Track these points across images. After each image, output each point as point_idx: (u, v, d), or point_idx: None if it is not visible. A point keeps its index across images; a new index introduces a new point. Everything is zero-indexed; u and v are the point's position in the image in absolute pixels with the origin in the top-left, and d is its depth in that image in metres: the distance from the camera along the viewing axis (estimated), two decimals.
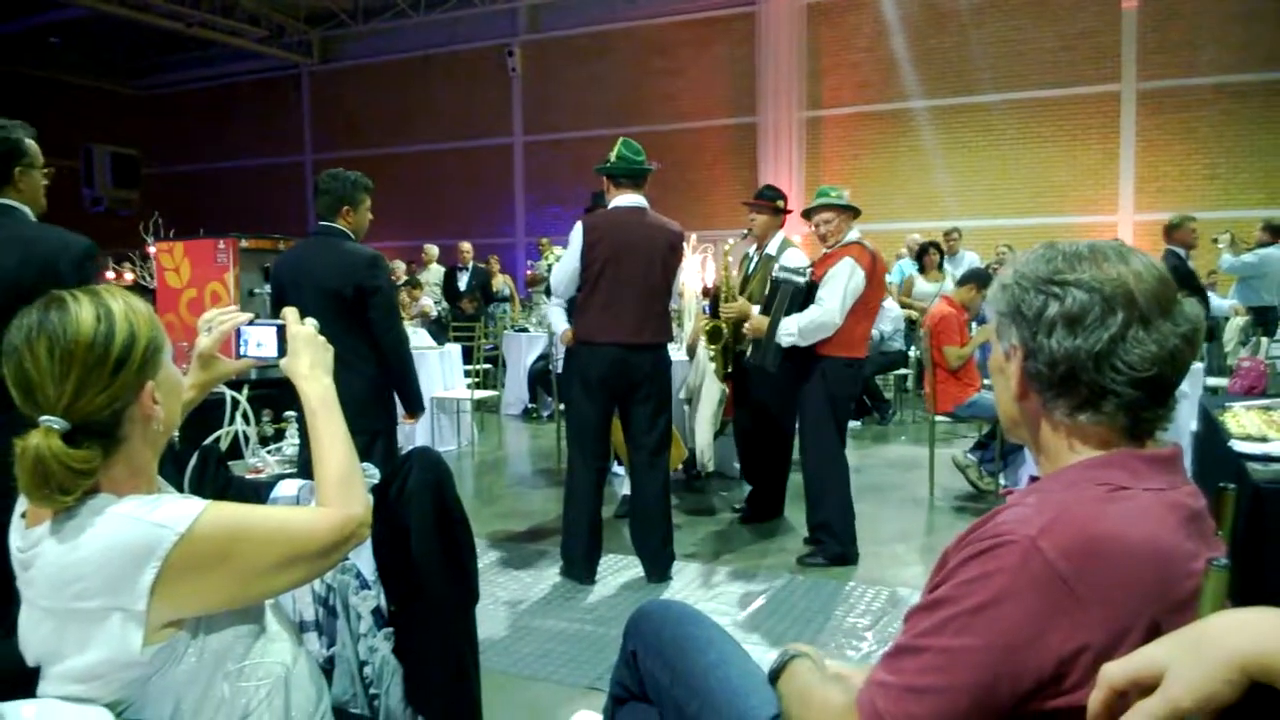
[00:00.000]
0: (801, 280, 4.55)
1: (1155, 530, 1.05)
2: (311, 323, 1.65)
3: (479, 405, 7.94)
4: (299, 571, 1.41)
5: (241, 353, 1.68)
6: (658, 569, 4.36)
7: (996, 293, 1.24)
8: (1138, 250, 1.19)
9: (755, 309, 4.84)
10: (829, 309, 4.45)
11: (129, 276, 8.91)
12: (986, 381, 5.70)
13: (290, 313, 1.64)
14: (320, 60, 18.24)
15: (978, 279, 6.36)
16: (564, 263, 4.37)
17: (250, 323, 1.68)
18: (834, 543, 4.59)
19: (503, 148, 16.72)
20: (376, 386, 3.86)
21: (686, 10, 14.92)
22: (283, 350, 1.62)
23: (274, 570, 1.36)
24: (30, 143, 2.91)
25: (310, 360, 1.60)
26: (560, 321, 5.17)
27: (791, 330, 4.48)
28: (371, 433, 3.71)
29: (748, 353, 4.89)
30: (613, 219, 4.32)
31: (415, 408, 4.03)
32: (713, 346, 5.29)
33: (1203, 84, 12.22)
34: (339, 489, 1.47)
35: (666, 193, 14.58)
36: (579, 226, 4.30)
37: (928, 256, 9.55)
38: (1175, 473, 1.15)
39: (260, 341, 1.66)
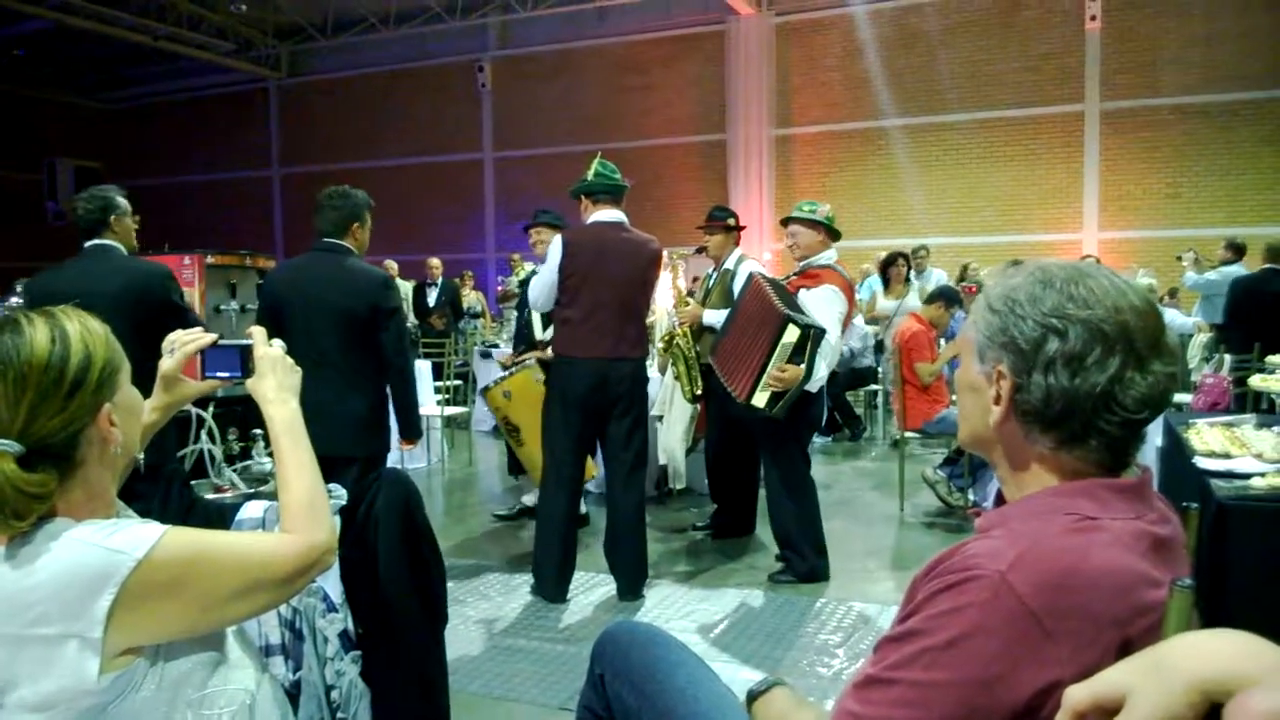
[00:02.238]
0: (822, 324, 4.27)
1: (1123, 561, 1.05)
2: (279, 344, 1.62)
3: (449, 422, 7.89)
4: (260, 599, 1.38)
5: (206, 374, 1.66)
6: (631, 587, 4.35)
7: (983, 314, 1.21)
8: (1123, 276, 1.18)
9: (708, 312, 4.94)
10: (835, 339, 4.42)
11: None
12: (955, 397, 5.74)
13: (258, 333, 1.62)
14: (289, 74, 18.15)
15: (946, 297, 6.43)
16: (542, 276, 4.35)
17: (215, 343, 1.65)
18: (802, 560, 4.59)
19: (473, 163, 16.70)
20: (377, 408, 3.80)
21: (657, 28, 15.00)
22: (248, 371, 1.60)
23: (234, 598, 1.33)
24: (121, 199, 3.90)
25: (277, 382, 1.57)
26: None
27: (823, 373, 4.37)
28: (371, 456, 3.66)
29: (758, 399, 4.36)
30: (592, 233, 4.31)
31: (415, 434, 3.99)
32: (666, 354, 5.32)
33: (1164, 104, 12.46)
34: (304, 514, 1.44)
35: (636, 209, 14.47)
36: (558, 240, 4.28)
37: (894, 269, 8.90)
38: (1143, 500, 1.15)
39: (226, 362, 1.64)
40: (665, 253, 5.87)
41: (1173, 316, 9.01)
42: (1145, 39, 12.50)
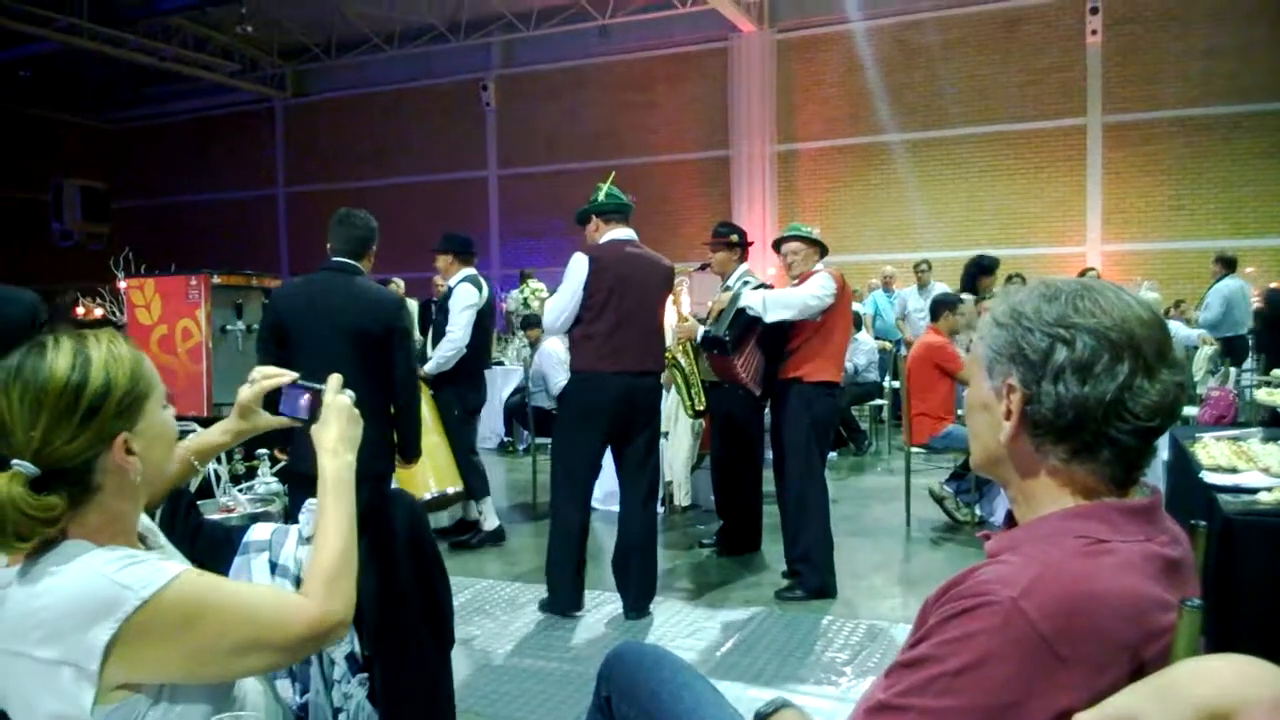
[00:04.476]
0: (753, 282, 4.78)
1: (1135, 585, 1.05)
2: (349, 395, 1.62)
3: None
4: (262, 659, 1.35)
5: (280, 410, 1.66)
6: (638, 605, 4.34)
7: (990, 330, 1.21)
8: (1128, 290, 1.19)
9: (703, 328, 5.01)
10: (802, 291, 4.59)
11: (99, 312, 8.79)
12: (959, 412, 5.74)
13: (333, 380, 1.62)
14: (294, 94, 18.25)
15: (945, 304, 6.43)
16: (563, 294, 4.30)
17: (294, 382, 1.65)
18: (814, 575, 4.58)
19: (477, 181, 16.75)
20: (384, 428, 3.80)
21: (660, 46, 15.07)
22: (315, 415, 1.59)
23: (236, 653, 1.30)
24: None
25: (338, 434, 1.56)
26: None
27: (759, 298, 4.58)
28: (377, 474, 3.65)
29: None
30: (614, 251, 4.33)
31: (414, 454, 3.99)
32: (674, 371, 5.37)
33: (1166, 117, 12.48)
34: (327, 581, 1.40)
35: (642, 225, 14.52)
36: (582, 258, 4.25)
37: (986, 278, 7.67)
38: (1153, 522, 1.15)
39: (298, 402, 1.63)
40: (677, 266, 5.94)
41: (1177, 329, 9.00)
42: (1146, 52, 12.53)
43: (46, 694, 1.23)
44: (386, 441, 3.80)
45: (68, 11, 13.79)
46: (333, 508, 1.49)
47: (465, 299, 5.49)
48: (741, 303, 4.58)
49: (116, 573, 1.25)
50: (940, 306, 6.44)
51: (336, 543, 1.45)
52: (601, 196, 4.43)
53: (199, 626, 1.27)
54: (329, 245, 3.91)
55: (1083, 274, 9.79)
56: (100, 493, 1.33)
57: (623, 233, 4.39)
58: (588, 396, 4.27)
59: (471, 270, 5.75)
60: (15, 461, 1.26)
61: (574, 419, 4.33)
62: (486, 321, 5.75)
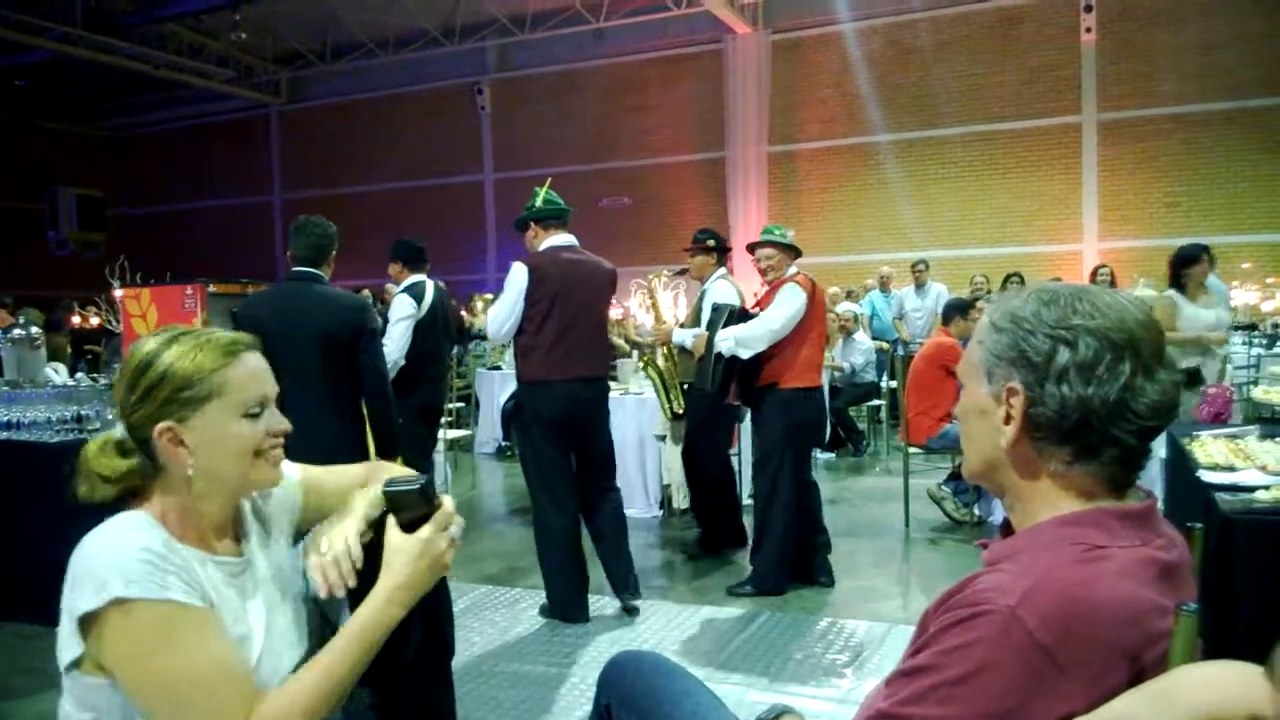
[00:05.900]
0: (735, 304, 4.86)
1: (1132, 591, 1.05)
2: (455, 529, 1.48)
3: (452, 444, 7.89)
4: None
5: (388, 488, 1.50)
6: (628, 590, 4.40)
7: (989, 334, 1.20)
8: (1122, 293, 1.20)
9: (679, 330, 5.11)
10: (768, 319, 4.61)
11: (95, 321, 8.80)
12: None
13: (442, 511, 1.47)
14: (289, 100, 18.23)
15: (957, 308, 6.44)
16: (504, 305, 4.27)
17: (421, 486, 1.47)
18: (766, 574, 4.64)
19: (473, 185, 16.75)
20: (355, 429, 3.90)
21: (655, 48, 15.07)
22: (411, 526, 1.45)
23: (173, 709, 1.31)
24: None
25: (401, 581, 1.43)
26: None
27: (728, 337, 4.61)
28: None
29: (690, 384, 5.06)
30: (553, 258, 4.32)
31: (393, 451, 3.99)
32: (651, 374, 5.42)
33: (1161, 114, 12.48)
34: (299, 713, 1.35)
35: (637, 227, 14.64)
36: (521, 268, 4.24)
37: (1195, 268, 5.98)
38: (1149, 526, 1.15)
39: (408, 495, 1.47)
40: (665, 271, 5.94)
41: None
42: (1141, 49, 12.54)
43: (62, 636, 1.34)
44: (355, 440, 3.89)
45: (62, 20, 13.77)
46: (351, 648, 1.39)
47: (400, 310, 5.19)
48: (718, 348, 4.63)
49: (132, 560, 1.32)
50: (953, 310, 6.47)
51: (327, 685, 1.37)
52: (539, 202, 4.43)
53: (154, 660, 1.30)
54: (288, 254, 4.06)
55: (1095, 272, 9.80)
56: (165, 475, 1.44)
57: (562, 238, 4.39)
58: (538, 406, 4.28)
59: (419, 277, 5.40)
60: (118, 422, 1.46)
61: (529, 428, 4.35)
62: (431, 332, 5.29)
